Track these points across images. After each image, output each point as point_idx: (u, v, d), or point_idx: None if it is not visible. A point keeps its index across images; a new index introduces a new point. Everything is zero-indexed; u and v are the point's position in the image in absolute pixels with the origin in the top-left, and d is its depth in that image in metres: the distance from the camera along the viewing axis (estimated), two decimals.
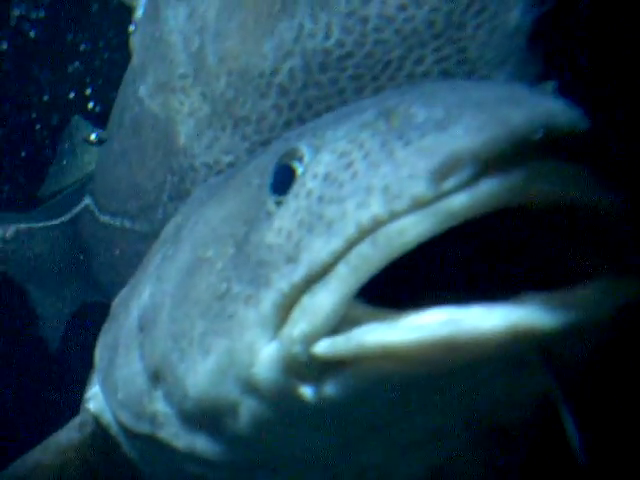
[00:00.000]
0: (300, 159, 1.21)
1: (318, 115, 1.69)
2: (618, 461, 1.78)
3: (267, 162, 1.33)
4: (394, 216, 1.03)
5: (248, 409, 1.21)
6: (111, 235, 2.57)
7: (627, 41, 1.88)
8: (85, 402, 1.71)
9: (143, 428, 1.43)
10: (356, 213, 1.07)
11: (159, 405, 1.38)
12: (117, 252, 2.54)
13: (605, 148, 1.02)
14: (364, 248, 1.05)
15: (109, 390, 1.54)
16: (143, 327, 1.46)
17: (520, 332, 0.96)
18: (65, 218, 3.21)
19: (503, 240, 1.12)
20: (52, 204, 3.42)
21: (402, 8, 1.69)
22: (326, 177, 1.15)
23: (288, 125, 1.83)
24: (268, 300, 1.14)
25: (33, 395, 4.24)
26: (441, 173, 1.00)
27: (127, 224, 2.39)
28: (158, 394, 1.37)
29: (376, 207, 1.04)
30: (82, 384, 1.75)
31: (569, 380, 1.07)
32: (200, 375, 1.25)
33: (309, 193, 1.16)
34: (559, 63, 1.64)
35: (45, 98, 3.72)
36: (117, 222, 2.47)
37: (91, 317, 1.70)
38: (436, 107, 1.07)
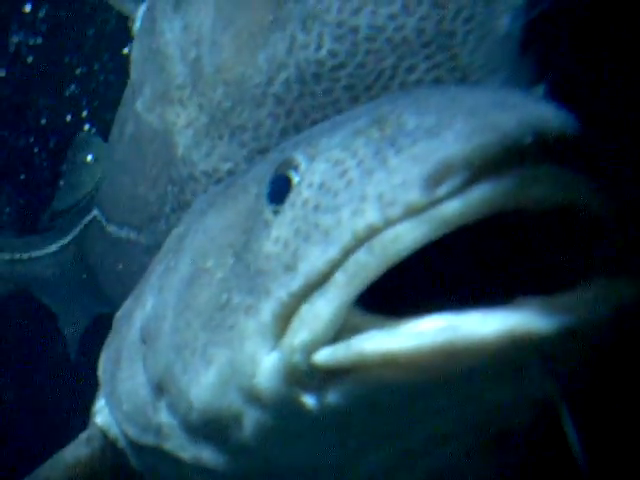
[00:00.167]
0: (296, 168, 1.22)
1: (314, 123, 1.70)
2: (618, 463, 1.78)
3: (264, 172, 1.34)
4: (389, 223, 1.03)
5: (251, 419, 1.22)
6: (117, 248, 2.58)
7: (622, 42, 1.88)
8: (92, 416, 1.71)
9: (149, 440, 1.43)
10: (351, 221, 1.07)
11: (164, 417, 1.38)
12: (123, 264, 2.55)
13: (597, 150, 1.03)
14: (361, 256, 1.06)
15: (114, 403, 1.55)
16: (146, 339, 1.47)
17: (517, 337, 0.97)
18: (74, 232, 3.24)
19: (497, 245, 1.13)
20: (62, 220, 3.45)
21: (392, 17, 1.69)
22: (321, 186, 1.16)
23: (285, 132, 1.84)
24: (267, 310, 1.15)
25: (53, 404, 4.28)
26: (434, 180, 1.00)
27: (132, 236, 2.40)
28: (162, 406, 1.38)
29: (371, 215, 1.05)
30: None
31: (569, 383, 1.08)
32: (203, 386, 1.25)
33: (305, 202, 1.17)
34: (552, 66, 1.65)
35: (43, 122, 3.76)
36: (123, 234, 2.48)
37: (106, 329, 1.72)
38: (427, 114, 1.08)
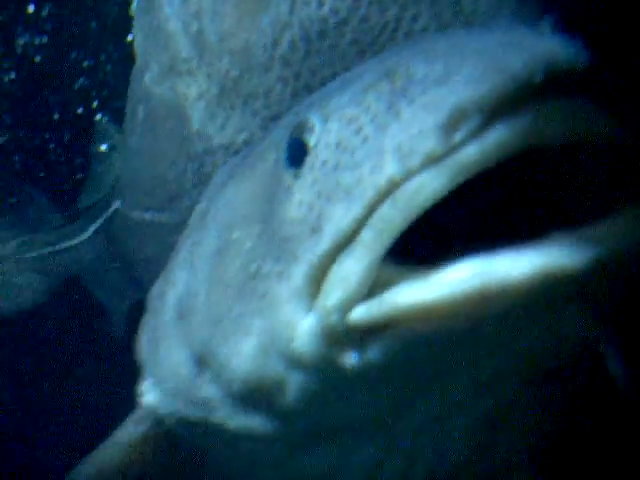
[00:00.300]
0: (311, 130, 1.22)
1: (324, 82, 1.69)
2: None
3: (280, 137, 1.34)
4: (410, 175, 1.03)
5: (294, 383, 1.22)
6: (145, 231, 2.59)
7: None
8: (138, 397, 1.73)
9: (197, 414, 1.45)
10: (372, 177, 1.07)
11: (208, 390, 1.39)
12: (152, 247, 2.57)
13: (610, 79, 1.01)
14: (385, 211, 1.06)
15: (158, 382, 1.56)
16: (181, 316, 1.48)
17: (550, 275, 0.96)
18: (104, 216, 3.28)
19: (518, 189, 1.12)
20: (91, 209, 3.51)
21: None
22: (338, 145, 1.15)
23: (296, 95, 1.83)
24: (298, 274, 1.15)
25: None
26: (449, 126, 1.00)
27: (157, 217, 2.41)
28: (205, 379, 1.39)
29: (390, 168, 1.05)
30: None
31: (608, 316, 1.07)
32: (243, 356, 1.26)
33: (324, 163, 1.17)
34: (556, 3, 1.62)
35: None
36: (147, 216, 2.50)
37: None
38: (436, 61, 1.07)
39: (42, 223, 3.83)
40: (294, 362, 1.19)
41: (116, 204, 3.03)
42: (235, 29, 1.88)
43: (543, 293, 0.97)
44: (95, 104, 3.57)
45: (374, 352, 1.10)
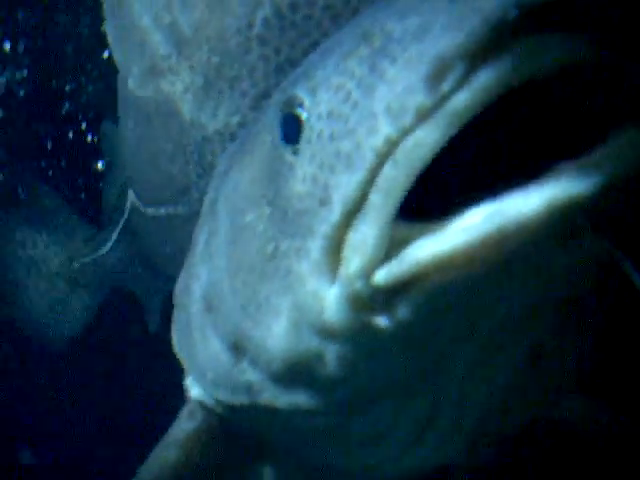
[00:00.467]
0: (301, 104, 1.23)
1: (305, 53, 1.69)
2: None
3: (272, 116, 1.34)
4: (405, 132, 1.04)
5: (332, 354, 1.24)
6: (162, 227, 2.61)
7: None
8: (186, 391, 1.75)
9: (243, 400, 1.47)
10: (369, 141, 1.08)
11: (249, 375, 1.41)
12: (171, 242, 2.58)
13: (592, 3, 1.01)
14: (387, 172, 1.07)
15: (199, 374, 1.59)
16: (209, 307, 1.50)
17: (560, 206, 0.97)
18: (125, 216, 3.31)
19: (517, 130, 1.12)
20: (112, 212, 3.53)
21: None
22: (330, 114, 1.16)
23: (280, 70, 1.83)
24: (315, 248, 1.17)
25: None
26: (435, 78, 1.00)
27: (171, 211, 2.43)
28: (244, 365, 1.41)
29: (385, 129, 1.06)
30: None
31: (625, 235, 1.08)
32: (277, 336, 1.28)
33: (319, 135, 1.18)
34: None
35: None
36: (162, 212, 2.51)
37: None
38: (410, 16, 1.07)
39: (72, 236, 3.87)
40: (327, 334, 1.21)
41: (130, 202, 3.05)
42: (207, 16, 1.88)
43: (556, 224, 0.98)
44: (84, 126, 3.59)
45: (402, 311, 1.12)
